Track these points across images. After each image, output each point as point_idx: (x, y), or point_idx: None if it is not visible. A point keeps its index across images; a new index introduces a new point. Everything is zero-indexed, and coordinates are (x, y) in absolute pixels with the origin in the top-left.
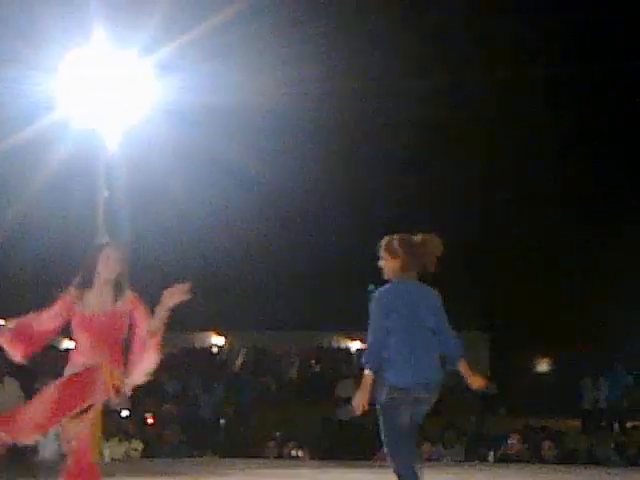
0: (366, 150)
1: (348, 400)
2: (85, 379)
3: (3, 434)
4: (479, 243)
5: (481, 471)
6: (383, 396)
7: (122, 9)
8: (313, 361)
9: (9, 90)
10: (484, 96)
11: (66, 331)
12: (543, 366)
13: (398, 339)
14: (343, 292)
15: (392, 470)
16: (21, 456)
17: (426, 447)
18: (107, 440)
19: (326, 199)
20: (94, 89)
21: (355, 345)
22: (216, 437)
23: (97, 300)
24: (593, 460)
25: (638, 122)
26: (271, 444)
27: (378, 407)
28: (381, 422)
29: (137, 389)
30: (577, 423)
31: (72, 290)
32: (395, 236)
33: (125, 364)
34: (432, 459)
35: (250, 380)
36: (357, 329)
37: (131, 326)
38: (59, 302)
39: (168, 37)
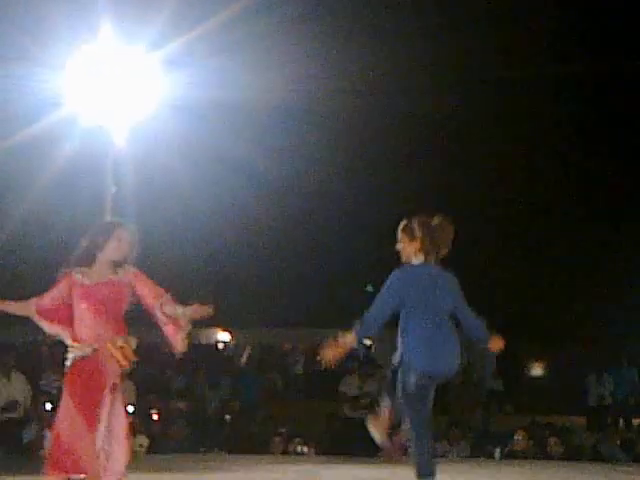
0: (374, 148)
1: (351, 392)
2: (91, 369)
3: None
4: (479, 242)
5: (487, 467)
6: (411, 384)
7: (129, 5)
8: (319, 357)
9: (16, 87)
10: (493, 93)
11: None
12: (548, 363)
13: (418, 323)
14: (348, 289)
15: (412, 457)
16: (26, 451)
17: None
18: None
19: (333, 197)
20: (101, 85)
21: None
22: (222, 433)
23: (97, 273)
24: (598, 457)
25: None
26: (276, 440)
27: (402, 394)
28: (408, 409)
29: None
30: (583, 420)
31: (72, 266)
32: (413, 218)
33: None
34: (437, 455)
35: (256, 376)
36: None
37: (137, 292)
38: (61, 280)
39: (176, 33)
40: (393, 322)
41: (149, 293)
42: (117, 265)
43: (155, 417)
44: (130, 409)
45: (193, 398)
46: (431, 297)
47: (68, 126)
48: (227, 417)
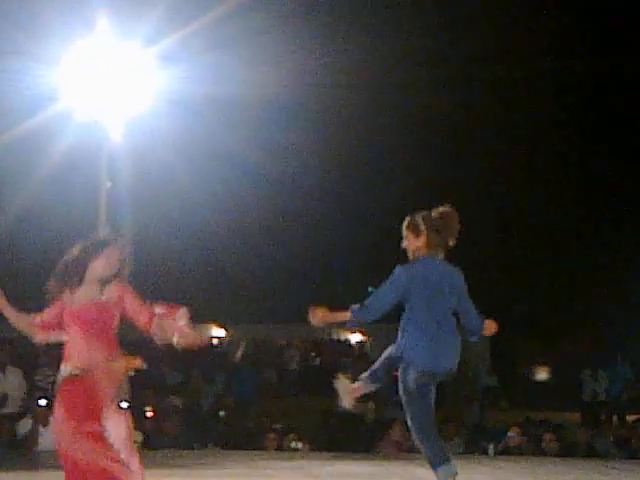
0: (370, 143)
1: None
2: (85, 388)
3: None
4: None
5: (481, 464)
6: (411, 382)
7: (125, 0)
8: (313, 353)
9: (12, 82)
10: (490, 90)
11: None
12: (543, 360)
13: (421, 319)
14: (343, 285)
15: (424, 455)
16: (21, 446)
17: None
18: None
19: (328, 193)
20: (97, 80)
21: (355, 337)
22: (216, 429)
23: (83, 294)
24: (593, 453)
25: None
26: (271, 436)
27: (404, 393)
28: (410, 408)
29: (137, 379)
30: (577, 416)
31: (62, 290)
32: (416, 214)
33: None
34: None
35: (250, 372)
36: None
37: (126, 315)
38: (55, 304)
39: (171, 28)
40: (389, 317)
41: (140, 313)
42: (105, 282)
43: (150, 414)
44: (124, 405)
45: (188, 394)
46: (438, 294)
47: (64, 121)
48: (221, 413)
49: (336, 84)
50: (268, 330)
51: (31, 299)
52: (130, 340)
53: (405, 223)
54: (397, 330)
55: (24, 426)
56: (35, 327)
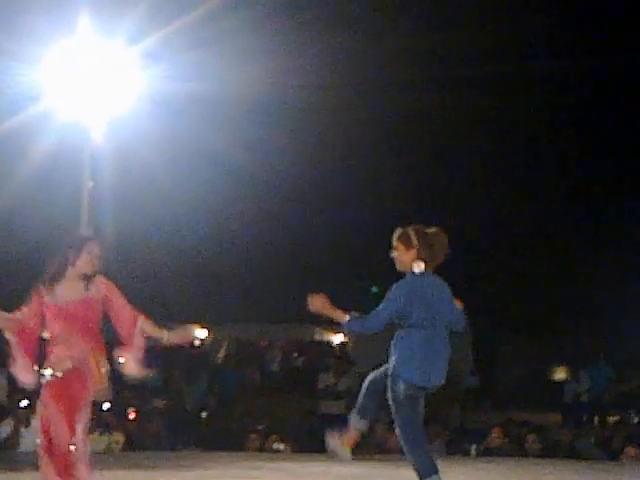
0: (356, 143)
1: (326, 389)
2: (73, 379)
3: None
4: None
5: (463, 465)
6: (400, 393)
7: None
8: (295, 354)
9: None
10: (479, 90)
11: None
12: (527, 360)
13: (414, 337)
14: (327, 285)
15: (412, 465)
16: (2, 448)
17: None
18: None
19: (313, 192)
20: (79, 80)
21: (338, 338)
22: (198, 430)
23: (68, 291)
24: (574, 454)
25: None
26: (253, 437)
27: (393, 403)
28: (398, 418)
29: (120, 382)
30: (558, 417)
31: (42, 284)
32: (409, 227)
33: (108, 350)
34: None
35: (233, 373)
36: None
37: (110, 312)
38: (34, 300)
39: (153, 27)
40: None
41: (125, 311)
42: (87, 279)
43: (132, 416)
44: (106, 406)
45: (169, 395)
46: (431, 310)
47: (45, 121)
48: (203, 414)
49: (320, 83)
50: (250, 331)
51: (13, 299)
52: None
53: (397, 234)
54: (377, 332)
55: (5, 428)
56: (14, 331)
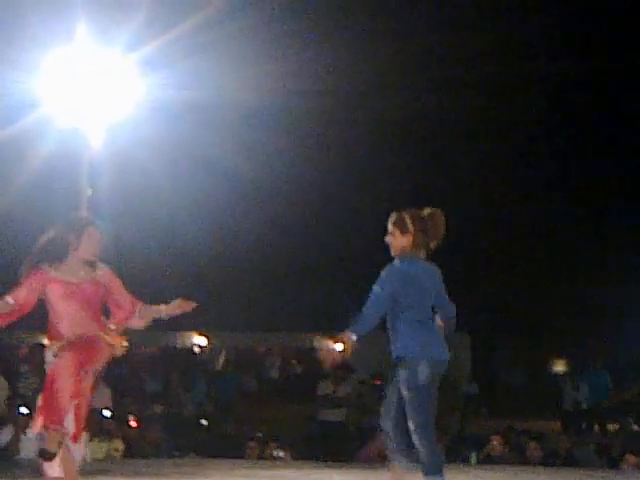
0: (353, 148)
1: (326, 397)
2: (89, 343)
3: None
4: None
5: (463, 472)
6: (420, 374)
7: (105, 7)
8: (294, 361)
9: None
10: (477, 91)
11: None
12: (525, 366)
13: (414, 316)
14: (324, 293)
15: (421, 456)
16: (1, 455)
17: None
18: (89, 440)
19: (311, 199)
20: (77, 87)
21: (337, 346)
22: (197, 437)
23: (76, 271)
24: (573, 462)
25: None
26: (252, 444)
27: (412, 389)
28: (417, 404)
29: (118, 389)
30: (557, 424)
31: (46, 263)
32: (405, 211)
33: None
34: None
35: (232, 380)
36: (339, 330)
37: (109, 299)
38: (34, 276)
39: (151, 34)
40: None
41: (125, 299)
42: (90, 264)
43: (133, 424)
44: (107, 413)
45: (169, 401)
46: (424, 293)
47: (44, 128)
48: (203, 421)
49: (317, 89)
50: (249, 338)
51: None
52: None
53: (392, 219)
54: (377, 337)
55: (5, 434)
56: (11, 305)
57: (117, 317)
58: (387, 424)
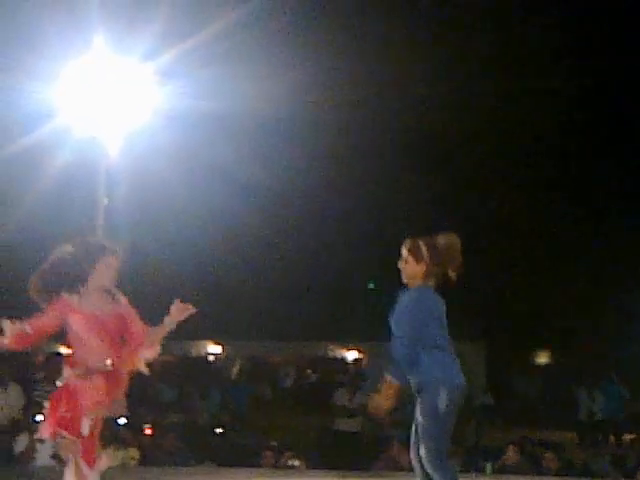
0: (367, 158)
1: (343, 409)
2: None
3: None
4: (475, 249)
5: None
6: (443, 402)
7: (123, 16)
8: (309, 370)
9: (10, 98)
10: (477, 90)
11: (61, 337)
12: (540, 376)
13: (437, 344)
14: (339, 302)
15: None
16: (17, 462)
17: None
18: (104, 448)
19: (327, 209)
20: (95, 96)
21: (351, 355)
22: (212, 445)
23: (97, 301)
24: (589, 473)
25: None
26: (268, 453)
27: (432, 416)
28: (437, 430)
29: (133, 396)
30: (573, 435)
31: (69, 292)
32: (421, 239)
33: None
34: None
35: (246, 389)
36: (353, 339)
37: (125, 329)
38: (56, 304)
39: (169, 44)
40: (386, 335)
41: (140, 331)
42: (109, 292)
43: (148, 432)
44: (122, 421)
45: (184, 410)
46: (442, 322)
47: (61, 137)
48: (218, 430)
49: (334, 99)
50: (264, 347)
51: (26, 315)
52: None
53: (407, 245)
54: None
55: (21, 442)
56: (21, 336)
57: (131, 345)
58: (415, 457)
